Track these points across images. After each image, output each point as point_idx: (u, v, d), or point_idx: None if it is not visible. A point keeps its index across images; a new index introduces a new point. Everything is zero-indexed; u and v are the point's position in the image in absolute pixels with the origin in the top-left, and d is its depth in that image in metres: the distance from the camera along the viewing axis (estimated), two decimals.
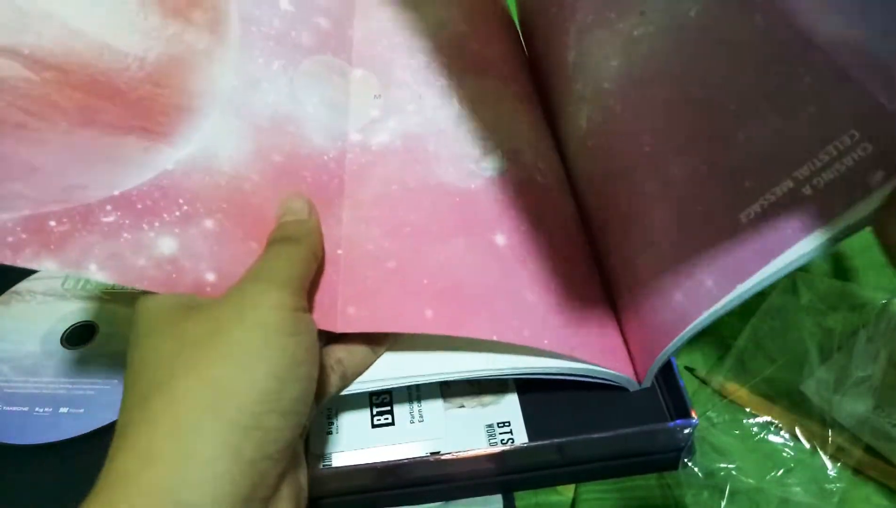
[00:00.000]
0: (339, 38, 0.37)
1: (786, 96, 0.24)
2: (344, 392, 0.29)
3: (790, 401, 0.36)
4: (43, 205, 0.25)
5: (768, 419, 0.36)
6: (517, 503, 0.33)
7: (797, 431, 0.35)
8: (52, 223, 0.25)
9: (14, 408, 0.35)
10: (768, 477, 0.34)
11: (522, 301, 0.30)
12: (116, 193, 0.26)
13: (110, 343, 0.38)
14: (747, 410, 0.36)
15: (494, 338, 0.29)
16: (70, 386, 0.36)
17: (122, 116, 0.28)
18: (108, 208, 0.26)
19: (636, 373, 0.32)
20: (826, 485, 0.34)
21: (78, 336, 0.38)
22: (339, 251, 0.30)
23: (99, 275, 0.25)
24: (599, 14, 0.34)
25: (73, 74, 0.28)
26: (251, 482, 0.20)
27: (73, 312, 0.40)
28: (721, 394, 0.37)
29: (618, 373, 0.31)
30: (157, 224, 0.26)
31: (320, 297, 0.28)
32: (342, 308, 0.28)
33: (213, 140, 0.29)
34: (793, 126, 0.24)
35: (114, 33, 0.29)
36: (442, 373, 0.30)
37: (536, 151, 0.37)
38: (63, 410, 0.35)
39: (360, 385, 0.29)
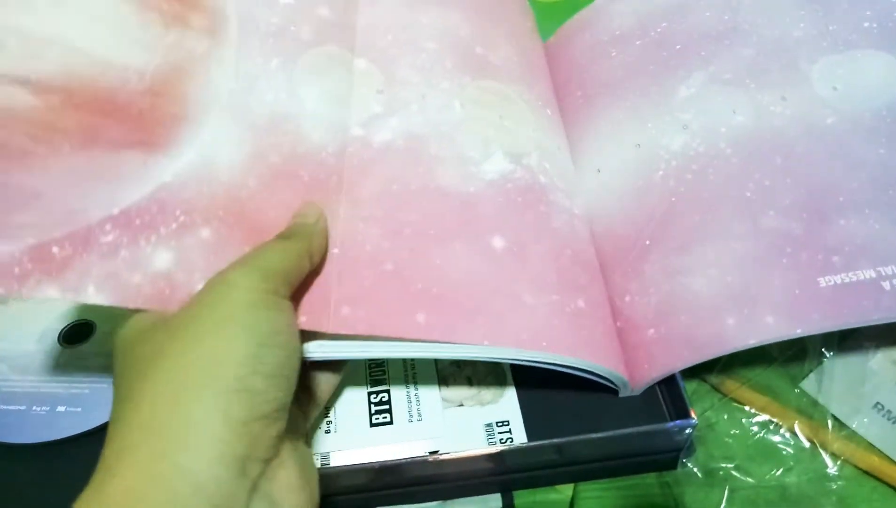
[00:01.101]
0: (343, 25, 0.36)
1: (892, 211, 0.31)
2: (343, 357, 0.29)
3: (790, 399, 0.36)
4: (47, 232, 0.25)
5: (768, 417, 0.36)
6: (516, 501, 0.33)
7: (797, 429, 0.35)
8: (55, 250, 0.25)
9: (11, 407, 0.35)
10: (768, 476, 0.34)
11: (520, 304, 0.30)
12: (116, 211, 0.26)
13: (108, 342, 0.38)
14: (747, 408, 0.36)
15: (486, 343, 0.29)
16: (68, 385, 0.36)
17: (123, 132, 0.28)
18: (108, 227, 0.26)
19: (632, 378, 0.32)
20: (826, 483, 0.34)
21: (75, 335, 0.38)
22: (335, 250, 0.30)
23: (96, 298, 0.25)
24: (741, 77, 0.37)
25: (77, 94, 0.28)
26: (246, 441, 0.22)
27: (70, 310, 0.39)
28: (720, 392, 0.37)
29: (618, 374, 0.31)
30: (153, 239, 0.27)
31: (311, 296, 0.28)
32: (335, 308, 0.28)
33: (211, 147, 0.29)
34: (893, 232, 0.30)
35: (115, 49, 0.29)
36: (434, 351, 0.29)
37: (543, 153, 0.37)
38: (60, 409, 0.35)
39: (346, 351, 0.29)
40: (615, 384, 0.32)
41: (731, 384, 0.37)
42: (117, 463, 0.21)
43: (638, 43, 0.41)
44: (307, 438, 0.31)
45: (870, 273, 0.30)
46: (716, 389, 0.37)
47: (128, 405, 0.22)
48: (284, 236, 0.28)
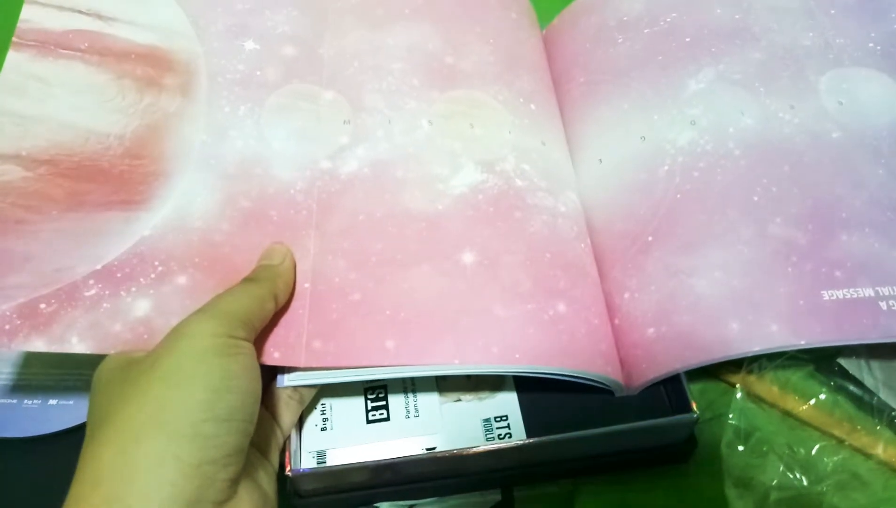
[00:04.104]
0: (308, 59, 0.37)
1: (890, 232, 0.31)
2: (335, 381, 0.29)
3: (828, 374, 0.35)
4: (36, 290, 0.28)
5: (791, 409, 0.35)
6: (515, 493, 0.33)
7: (829, 418, 0.34)
8: (43, 306, 0.28)
9: (2, 400, 0.35)
10: (791, 471, 0.33)
11: (491, 318, 0.30)
12: (99, 266, 0.29)
13: None
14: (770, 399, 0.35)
15: (456, 362, 0.29)
16: (59, 377, 0.35)
17: (106, 194, 0.30)
18: (91, 282, 0.28)
19: (628, 377, 0.31)
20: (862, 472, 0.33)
21: None
22: (307, 285, 0.30)
23: (79, 347, 0.27)
24: (750, 80, 0.37)
25: (63, 163, 0.31)
26: (196, 484, 0.22)
27: None
28: (732, 384, 0.36)
29: (606, 376, 0.30)
30: (133, 289, 0.29)
31: (285, 332, 0.29)
32: (307, 342, 0.29)
33: (186, 198, 0.31)
34: (890, 254, 0.31)
35: (96, 118, 0.32)
36: (406, 373, 0.29)
37: (521, 154, 0.36)
38: (52, 402, 0.35)
39: (321, 378, 0.29)
40: (607, 386, 0.31)
41: (743, 377, 0.36)
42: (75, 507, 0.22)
43: (646, 31, 0.40)
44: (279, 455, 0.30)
45: (869, 292, 0.30)
46: (729, 383, 0.36)
47: (90, 448, 0.23)
48: (249, 280, 0.29)
